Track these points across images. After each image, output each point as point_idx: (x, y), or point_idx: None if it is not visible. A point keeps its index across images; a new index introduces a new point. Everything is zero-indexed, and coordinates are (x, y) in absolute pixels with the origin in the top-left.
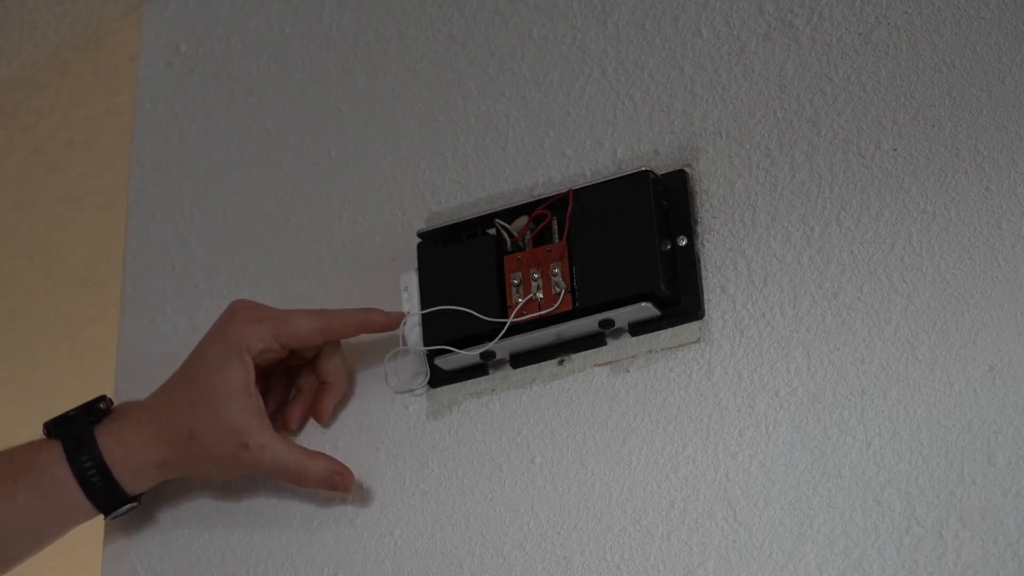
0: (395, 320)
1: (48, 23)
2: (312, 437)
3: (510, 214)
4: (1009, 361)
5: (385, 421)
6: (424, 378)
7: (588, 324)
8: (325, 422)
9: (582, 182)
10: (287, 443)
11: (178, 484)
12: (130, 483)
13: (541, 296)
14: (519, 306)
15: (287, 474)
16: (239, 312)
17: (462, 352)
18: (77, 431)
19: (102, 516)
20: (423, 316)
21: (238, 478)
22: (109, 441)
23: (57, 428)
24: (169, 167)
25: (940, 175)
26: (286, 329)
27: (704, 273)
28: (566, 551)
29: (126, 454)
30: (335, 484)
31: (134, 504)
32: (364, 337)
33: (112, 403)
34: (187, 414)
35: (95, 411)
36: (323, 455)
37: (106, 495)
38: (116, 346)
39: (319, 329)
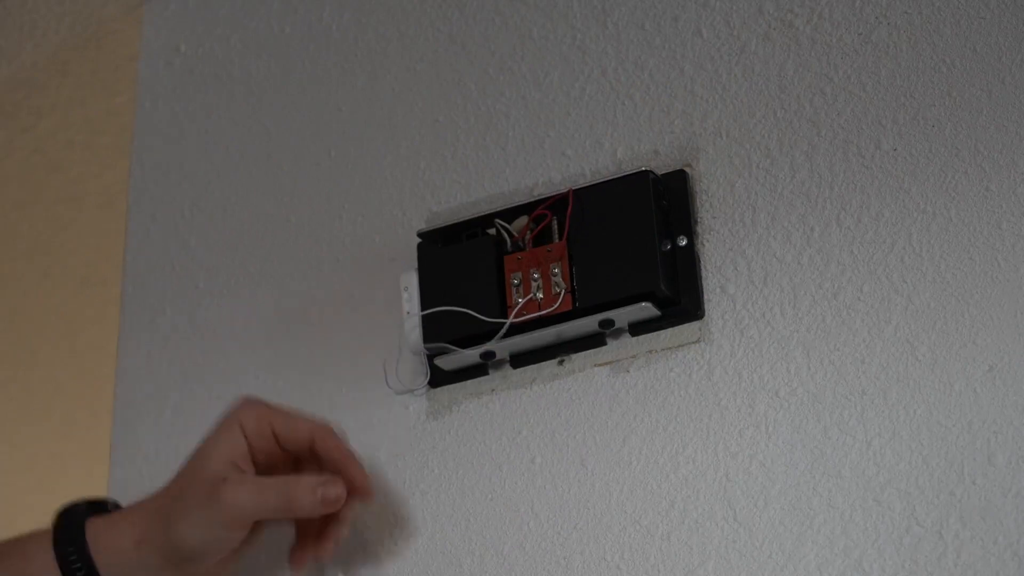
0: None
1: (48, 23)
2: None
3: (510, 214)
4: (1009, 361)
5: (385, 421)
6: (424, 378)
7: (588, 324)
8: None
9: (582, 182)
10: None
11: None
12: (110, 565)
13: (541, 296)
14: (519, 306)
15: (274, 499)
16: (239, 400)
17: (462, 352)
18: (71, 519)
19: None
20: (423, 316)
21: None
22: (98, 529)
23: (57, 516)
24: (169, 167)
25: (940, 175)
26: (282, 414)
27: (704, 273)
28: (566, 551)
29: (110, 540)
30: (327, 498)
31: None
32: (364, 338)
33: (119, 506)
34: (171, 490)
35: (97, 505)
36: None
37: None
38: (116, 346)
39: (311, 429)
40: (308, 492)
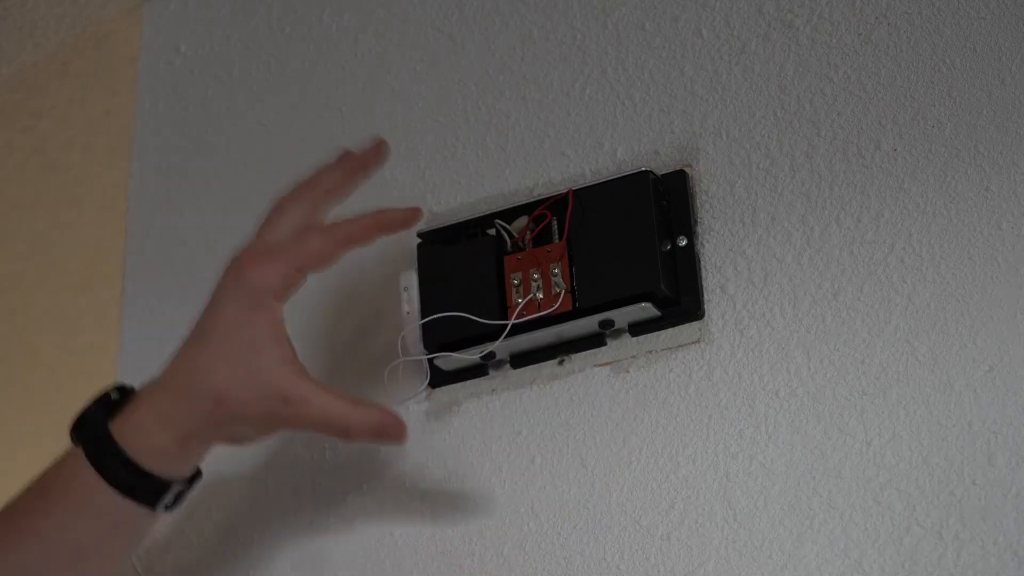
0: (412, 216)
1: (48, 23)
2: (312, 433)
3: (510, 214)
4: (1009, 361)
5: None
6: (424, 381)
7: (588, 324)
8: None
9: (582, 182)
10: (330, 392)
11: None
12: (160, 467)
13: (541, 296)
14: (519, 306)
15: (332, 428)
16: (247, 259)
17: (462, 352)
18: (93, 431)
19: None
20: (422, 318)
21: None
22: (126, 431)
23: (76, 433)
24: (169, 167)
25: (940, 175)
26: (302, 255)
27: (704, 273)
28: (566, 551)
29: (146, 439)
30: (384, 434)
31: (182, 487)
32: (364, 338)
33: (132, 390)
34: (207, 378)
35: (108, 404)
36: (369, 404)
37: (140, 487)
38: (116, 346)
39: (335, 241)
40: (368, 432)
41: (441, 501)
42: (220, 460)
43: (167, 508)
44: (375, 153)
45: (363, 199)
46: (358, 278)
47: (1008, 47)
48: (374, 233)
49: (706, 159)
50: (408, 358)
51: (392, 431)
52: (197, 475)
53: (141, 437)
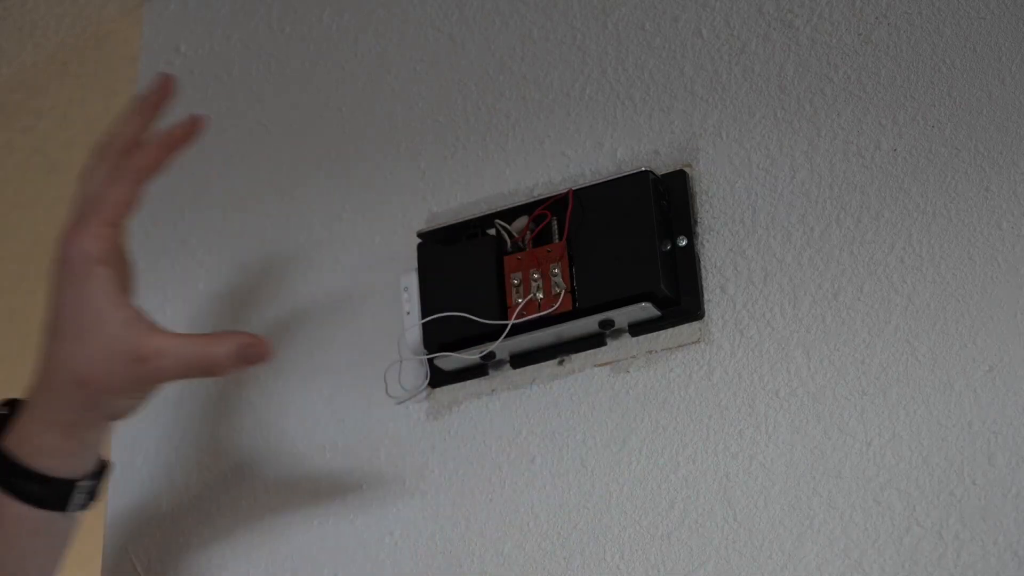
0: (192, 125)
1: (48, 23)
2: (311, 434)
3: (510, 214)
4: (1009, 361)
5: (385, 421)
6: (424, 381)
7: (588, 324)
8: None
9: (582, 182)
10: (183, 336)
11: (178, 484)
12: (59, 468)
13: (541, 296)
14: (519, 307)
15: (197, 370)
16: (63, 235)
17: (462, 353)
18: None
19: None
20: (422, 318)
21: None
22: (18, 442)
23: None
24: (169, 167)
25: (940, 175)
26: (108, 209)
27: (704, 273)
28: (566, 551)
29: (37, 444)
30: (251, 357)
31: (91, 483)
32: (362, 345)
33: (21, 401)
34: (66, 365)
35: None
36: (223, 333)
37: (47, 494)
38: None
39: (132, 181)
40: (232, 362)
41: (441, 501)
42: (220, 460)
43: (82, 508)
44: (162, 91)
45: (362, 198)
46: (358, 278)
47: (1008, 47)
48: (165, 156)
49: (706, 159)
50: (408, 358)
51: (256, 350)
52: (105, 467)
53: (31, 444)
